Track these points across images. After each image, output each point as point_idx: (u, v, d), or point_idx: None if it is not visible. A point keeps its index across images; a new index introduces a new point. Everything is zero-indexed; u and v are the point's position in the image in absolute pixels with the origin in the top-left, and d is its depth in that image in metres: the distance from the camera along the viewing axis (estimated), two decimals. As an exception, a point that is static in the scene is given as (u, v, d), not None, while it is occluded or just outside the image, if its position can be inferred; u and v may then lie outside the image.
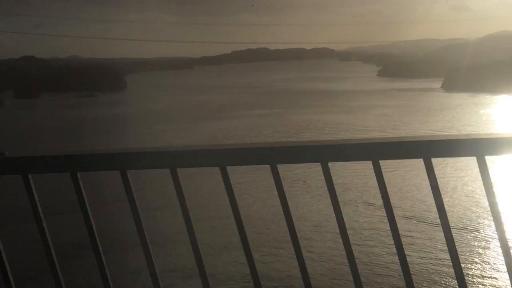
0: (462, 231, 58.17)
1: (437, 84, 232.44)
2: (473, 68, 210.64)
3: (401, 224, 56.64)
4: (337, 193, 4.33)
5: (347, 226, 4.35)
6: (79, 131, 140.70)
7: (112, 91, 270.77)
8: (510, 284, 4.15)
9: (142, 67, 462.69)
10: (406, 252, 4.30)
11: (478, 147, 3.98)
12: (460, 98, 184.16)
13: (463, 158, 4.18)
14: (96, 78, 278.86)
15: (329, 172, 4.26)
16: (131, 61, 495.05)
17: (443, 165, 78.48)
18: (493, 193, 4.10)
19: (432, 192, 4.16)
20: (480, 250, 53.73)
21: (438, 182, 4.16)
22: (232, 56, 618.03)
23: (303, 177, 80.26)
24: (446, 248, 4.25)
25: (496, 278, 47.94)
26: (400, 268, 4.28)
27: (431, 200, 68.15)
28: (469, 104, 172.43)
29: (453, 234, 4.23)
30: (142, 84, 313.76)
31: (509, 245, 4.20)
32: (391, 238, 4.34)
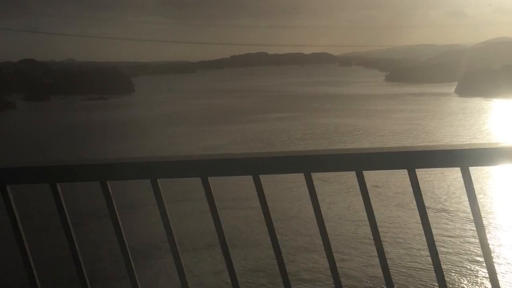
0: None
1: (448, 89, 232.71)
2: (486, 74, 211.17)
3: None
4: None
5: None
6: (111, 134, 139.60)
7: (121, 94, 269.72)
8: None
9: (143, 70, 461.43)
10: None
11: None
12: (478, 103, 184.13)
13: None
14: (105, 81, 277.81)
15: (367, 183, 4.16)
16: (132, 64, 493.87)
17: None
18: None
19: (469, 201, 4.06)
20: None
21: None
22: (231, 61, 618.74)
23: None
24: None
25: None
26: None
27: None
28: (492, 108, 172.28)
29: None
30: (149, 87, 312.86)
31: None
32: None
